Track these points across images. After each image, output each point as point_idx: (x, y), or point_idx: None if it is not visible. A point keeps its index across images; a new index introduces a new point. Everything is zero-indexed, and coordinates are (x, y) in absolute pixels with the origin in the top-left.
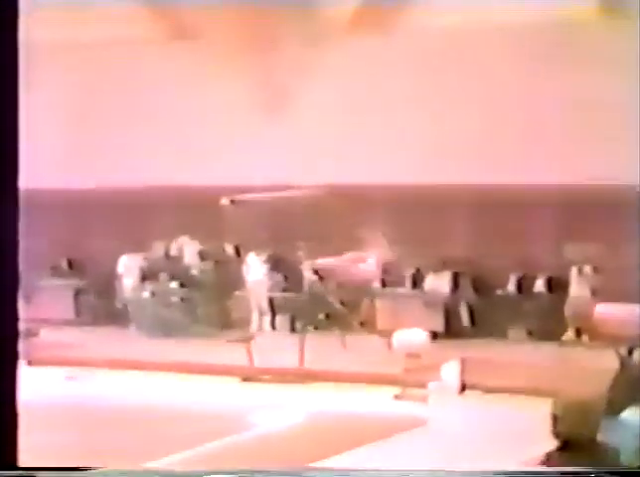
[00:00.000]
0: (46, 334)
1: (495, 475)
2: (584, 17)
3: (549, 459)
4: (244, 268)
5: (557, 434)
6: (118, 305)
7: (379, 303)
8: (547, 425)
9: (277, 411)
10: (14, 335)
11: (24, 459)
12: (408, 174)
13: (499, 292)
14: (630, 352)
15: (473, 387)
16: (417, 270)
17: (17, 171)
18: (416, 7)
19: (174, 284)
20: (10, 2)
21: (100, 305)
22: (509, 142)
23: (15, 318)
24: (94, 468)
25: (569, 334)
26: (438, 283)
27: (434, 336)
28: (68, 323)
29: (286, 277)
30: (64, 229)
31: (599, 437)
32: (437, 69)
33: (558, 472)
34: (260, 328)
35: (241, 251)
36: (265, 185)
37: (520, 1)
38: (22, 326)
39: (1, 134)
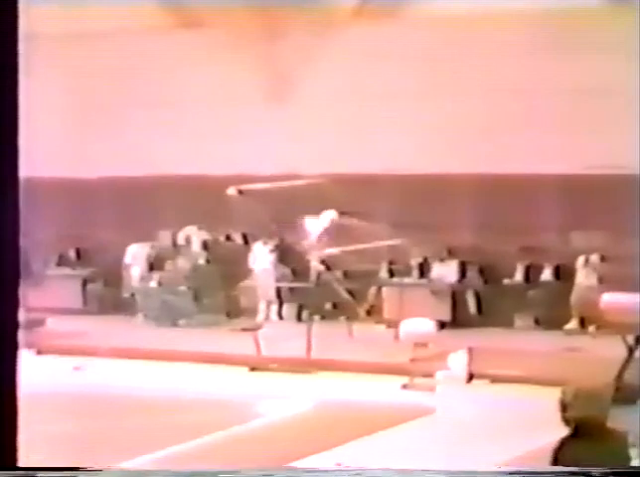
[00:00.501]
0: (54, 323)
1: (496, 475)
2: (588, 4)
3: (562, 446)
4: (251, 258)
5: (567, 421)
6: (125, 294)
7: (386, 292)
8: (554, 414)
9: (285, 401)
10: (14, 327)
11: (30, 451)
12: (414, 163)
13: (506, 281)
14: (638, 340)
15: (481, 376)
16: (425, 259)
17: (17, 160)
18: None
19: (181, 273)
20: None
21: (108, 294)
22: (514, 131)
23: (15, 308)
24: (95, 468)
25: (573, 323)
26: (445, 272)
27: (442, 325)
28: (75, 312)
29: (293, 267)
30: (71, 218)
31: (609, 424)
32: (441, 57)
33: (559, 472)
34: (267, 317)
35: (248, 241)
36: (272, 174)
37: None
38: (29, 315)
39: (4, 123)
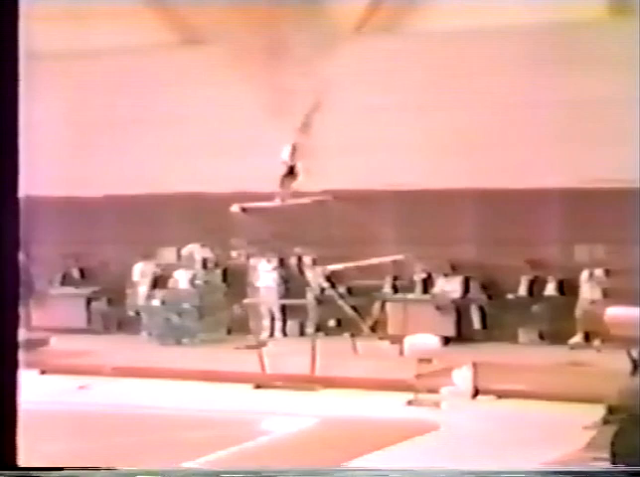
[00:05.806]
0: (58, 342)
1: (496, 475)
2: (591, 17)
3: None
4: (255, 275)
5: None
6: (130, 312)
7: (390, 308)
8: (560, 428)
9: (290, 418)
10: (15, 338)
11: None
12: (417, 178)
13: (510, 296)
14: None
15: (486, 391)
16: (428, 275)
17: (17, 180)
18: (424, 9)
19: (184, 291)
20: (10, 10)
21: (112, 313)
22: (517, 145)
23: (16, 323)
24: (95, 469)
25: (578, 337)
26: (449, 287)
27: (446, 340)
28: (79, 331)
29: (296, 283)
30: (75, 237)
31: None
32: (442, 72)
33: (561, 472)
34: (272, 334)
35: (252, 258)
36: (275, 191)
37: (526, 2)
38: (34, 335)
39: (6, 142)
